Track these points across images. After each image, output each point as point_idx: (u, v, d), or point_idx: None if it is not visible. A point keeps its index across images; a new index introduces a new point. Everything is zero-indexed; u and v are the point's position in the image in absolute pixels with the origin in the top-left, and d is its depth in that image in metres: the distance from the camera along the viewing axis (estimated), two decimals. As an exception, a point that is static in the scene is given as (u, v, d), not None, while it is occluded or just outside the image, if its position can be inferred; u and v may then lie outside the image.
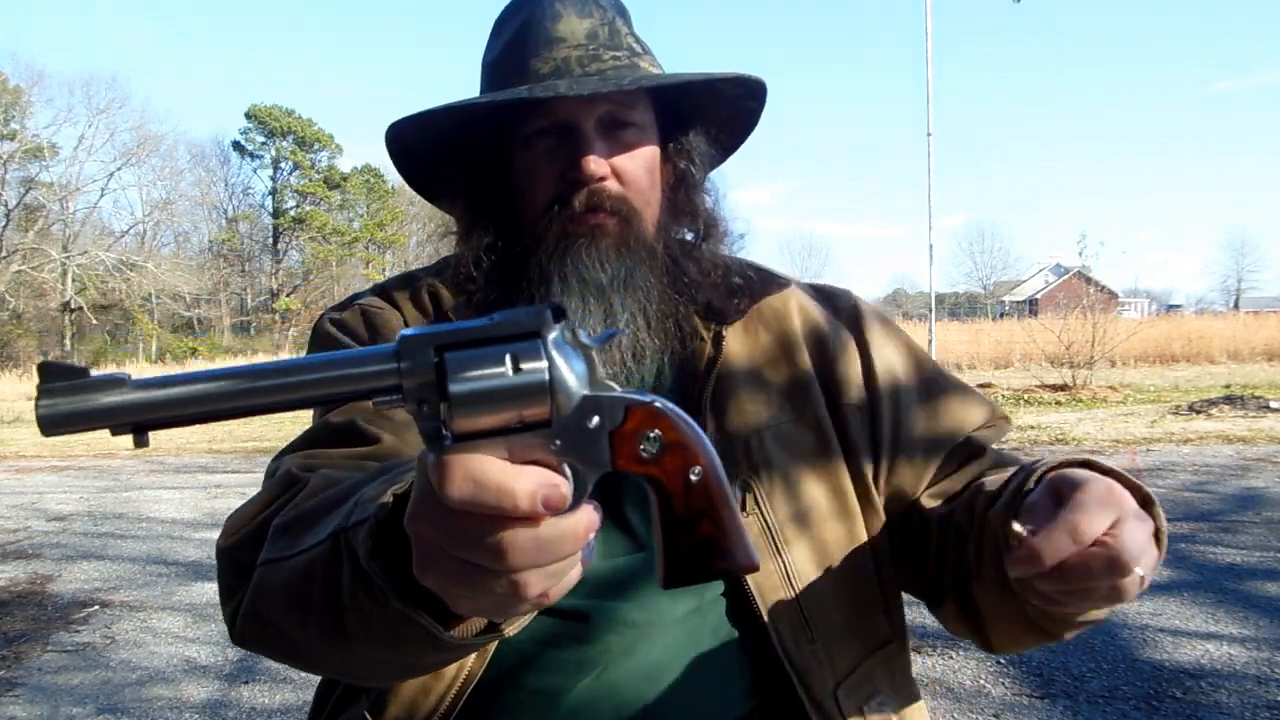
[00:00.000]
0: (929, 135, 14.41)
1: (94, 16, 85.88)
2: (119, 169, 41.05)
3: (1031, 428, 9.64)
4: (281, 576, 0.68)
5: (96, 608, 4.42)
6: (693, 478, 0.51)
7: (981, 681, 3.12)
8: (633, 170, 0.91)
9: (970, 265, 66.51)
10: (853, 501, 0.92)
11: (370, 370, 0.48)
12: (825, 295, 1.04)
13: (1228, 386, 12.84)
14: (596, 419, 0.49)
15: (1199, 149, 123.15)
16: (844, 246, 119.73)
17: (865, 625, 0.91)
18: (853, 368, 0.96)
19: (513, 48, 0.93)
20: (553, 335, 0.49)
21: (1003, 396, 12.62)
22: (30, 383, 26.13)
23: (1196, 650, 3.31)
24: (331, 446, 0.85)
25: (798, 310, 0.99)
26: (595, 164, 0.88)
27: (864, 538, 0.92)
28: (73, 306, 37.48)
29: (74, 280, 37.57)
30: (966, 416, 0.97)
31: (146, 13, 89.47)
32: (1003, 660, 3.29)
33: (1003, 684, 3.10)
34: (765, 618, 0.85)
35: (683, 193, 0.97)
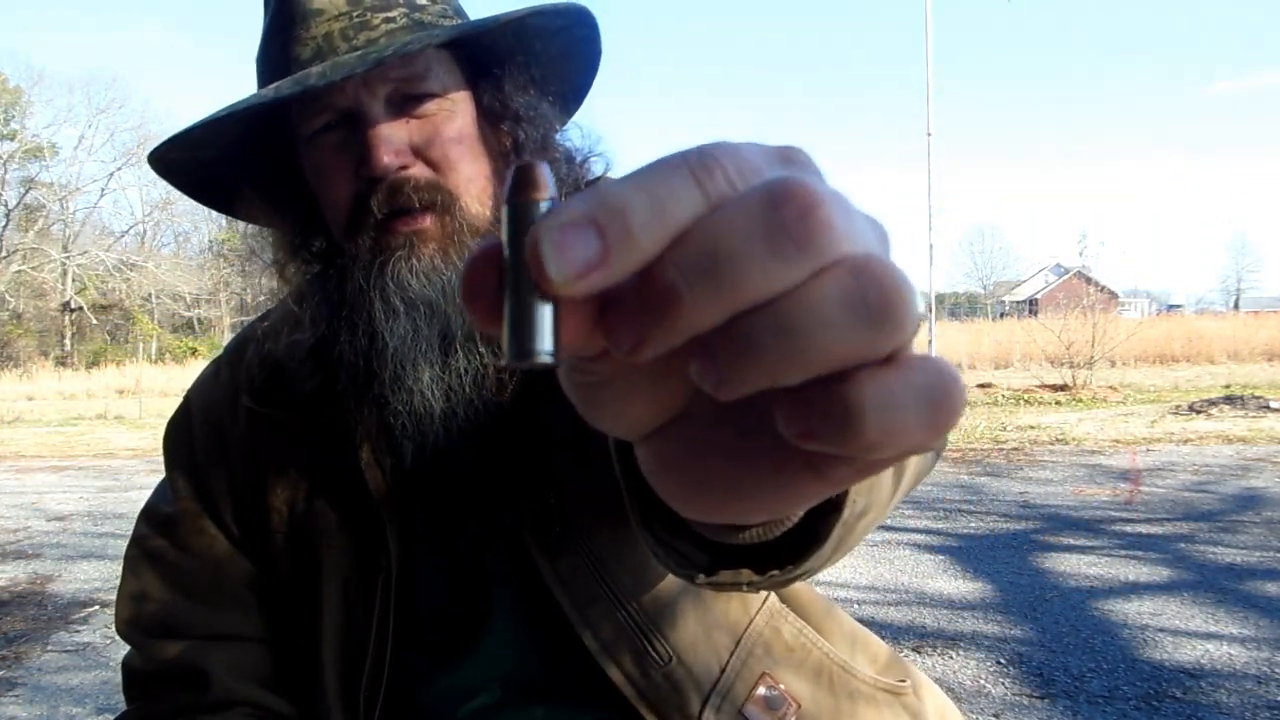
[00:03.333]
0: (929, 135, 14.41)
1: (94, 17, 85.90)
2: (119, 169, 41.00)
3: (1031, 428, 9.64)
4: None
5: (96, 608, 4.41)
6: None
7: (981, 681, 3.12)
8: (440, 147, 0.76)
9: (970, 265, 66.60)
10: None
11: None
12: None
13: (1228, 386, 12.82)
14: None
15: (1199, 149, 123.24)
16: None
17: (719, 603, 0.76)
18: None
19: (272, 34, 0.78)
20: None
21: (1003, 396, 12.61)
22: (31, 383, 26.10)
23: (1196, 650, 3.31)
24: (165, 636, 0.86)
25: None
26: (387, 152, 0.73)
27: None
28: (73, 306, 37.49)
29: (74, 280, 37.59)
30: None
31: (147, 13, 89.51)
32: (1003, 660, 3.29)
33: (1003, 684, 3.09)
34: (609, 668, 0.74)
35: (516, 159, 0.81)
